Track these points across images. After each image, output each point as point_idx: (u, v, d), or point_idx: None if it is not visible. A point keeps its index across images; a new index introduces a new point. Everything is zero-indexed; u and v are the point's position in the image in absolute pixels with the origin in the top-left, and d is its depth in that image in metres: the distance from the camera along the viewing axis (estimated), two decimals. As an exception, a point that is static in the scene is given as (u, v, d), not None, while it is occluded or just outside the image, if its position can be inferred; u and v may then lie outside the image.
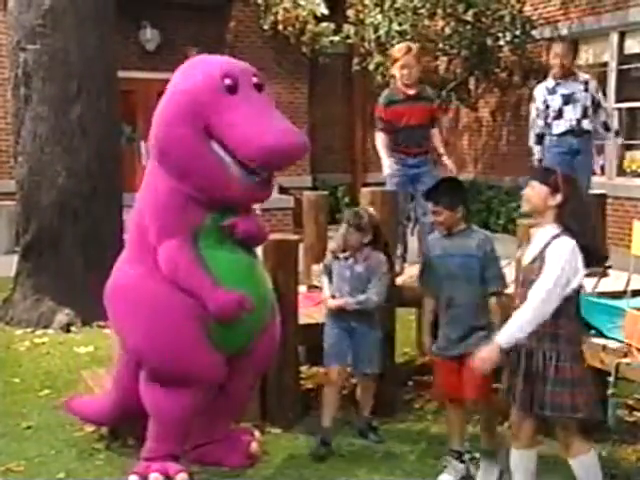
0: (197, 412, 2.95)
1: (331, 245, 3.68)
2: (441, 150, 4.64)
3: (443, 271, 3.10)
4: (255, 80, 2.81)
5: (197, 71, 2.82)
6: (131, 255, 2.97)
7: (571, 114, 5.03)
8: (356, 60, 10.13)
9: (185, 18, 10.94)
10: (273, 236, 3.65)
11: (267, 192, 2.93)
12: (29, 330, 5.55)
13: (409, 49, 4.58)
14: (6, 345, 5.20)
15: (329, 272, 3.53)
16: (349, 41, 9.95)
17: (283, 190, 11.20)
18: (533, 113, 5.24)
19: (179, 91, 2.81)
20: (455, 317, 3.05)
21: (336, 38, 10.03)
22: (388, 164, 4.54)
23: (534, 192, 2.62)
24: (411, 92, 4.56)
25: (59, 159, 5.66)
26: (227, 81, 2.72)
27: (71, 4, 5.63)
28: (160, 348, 2.81)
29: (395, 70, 4.64)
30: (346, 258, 3.46)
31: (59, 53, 5.62)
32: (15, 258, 6.19)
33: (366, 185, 5.01)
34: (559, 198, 2.58)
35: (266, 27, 10.46)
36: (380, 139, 4.70)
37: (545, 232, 2.60)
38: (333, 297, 3.46)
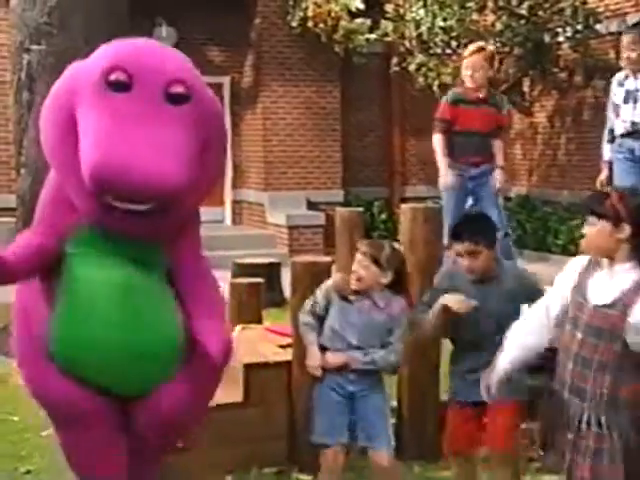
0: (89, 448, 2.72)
1: (335, 279, 3.33)
2: (500, 163, 4.60)
3: (472, 320, 2.96)
4: (173, 89, 2.37)
5: (92, 56, 2.51)
6: None
7: (628, 114, 4.94)
8: (395, 60, 10.16)
9: (204, 14, 11.10)
10: (303, 258, 3.63)
11: (137, 228, 2.45)
12: (29, 362, 5.58)
13: (480, 49, 4.62)
14: (3, 379, 5.24)
15: (320, 316, 3.20)
16: (387, 39, 9.99)
17: (312, 205, 11.23)
18: (609, 106, 5.18)
19: (59, 82, 2.54)
20: (479, 361, 2.90)
21: (372, 36, 10.08)
22: (445, 173, 4.52)
23: (594, 231, 2.30)
24: (481, 95, 4.56)
25: (64, 171, 5.72)
26: (116, 74, 2.33)
27: (80, 0, 5.73)
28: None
29: (462, 69, 4.67)
30: (358, 300, 3.16)
31: (66, 54, 5.67)
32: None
33: (405, 200, 5.00)
34: (627, 229, 2.26)
35: (294, 24, 10.55)
36: (440, 142, 4.67)
37: (623, 271, 2.29)
38: (324, 349, 3.14)
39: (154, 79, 2.37)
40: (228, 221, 12.04)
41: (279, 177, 11.33)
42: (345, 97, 11.58)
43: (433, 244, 3.77)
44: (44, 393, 2.74)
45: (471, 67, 4.53)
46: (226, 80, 11.76)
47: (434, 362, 3.85)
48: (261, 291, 5.04)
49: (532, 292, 2.87)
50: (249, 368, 3.84)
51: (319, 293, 3.28)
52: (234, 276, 6.96)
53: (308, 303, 3.29)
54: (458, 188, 4.55)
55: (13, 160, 7.29)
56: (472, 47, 4.76)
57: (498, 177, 4.59)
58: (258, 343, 4.28)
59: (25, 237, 2.64)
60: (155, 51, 2.49)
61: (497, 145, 4.64)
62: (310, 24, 10.36)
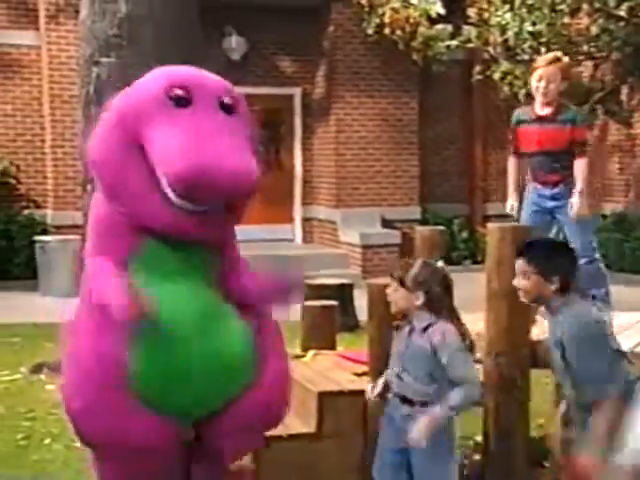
0: None
1: (392, 309, 3.34)
2: (578, 185, 4.50)
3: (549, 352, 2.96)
4: (225, 100, 2.75)
5: (143, 80, 2.84)
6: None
7: None
8: (478, 68, 10.11)
9: (275, 23, 11.31)
10: (379, 280, 3.65)
11: (205, 228, 2.76)
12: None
13: (556, 59, 4.55)
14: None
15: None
16: (469, 45, 9.95)
17: (387, 223, 11.23)
18: None
19: (118, 103, 2.82)
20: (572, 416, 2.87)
21: (454, 42, 10.06)
22: (509, 198, 4.54)
23: None
24: (543, 112, 4.50)
25: (132, 187, 5.89)
26: (176, 91, 2.68)
27: (150, 12, 5.88)
28: (70, 399, 2.82)
29: (532, 80, 4.62)
30: (402, 326, 3.20)
31: (136, 67, 5.84)
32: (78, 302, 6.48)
33: (487, 218, 4.97)
34: None
35: (370, 31, 10.63)
36: (510, 165, 4.69)
37: None
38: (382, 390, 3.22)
39: (208, 92, 2.72)
40: (298, 239, 12.15)
41: (352, 193, 11.37)
42: (423, 108, 11.58)
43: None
44: (111, 427, 2.77)
45: (545, 78, 4.44)
46: (297, 91, 11.91)
47: (523, 394, 3.79)
48: (335, 314, 5.07)
49: (569, 347, 2.75)
50: (323, 397, 3.86)
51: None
52: (305, 298, 7.00)
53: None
54: (538, 208, 4.54)
55: (80, 176, 7.56)
56: (547, 56, 4.70)
57: (574, 204, 4.50)
58: (332, 370, 4.30)
59: (108, 269, 2.72)
60: (198, 71, 2.85)
61: (577, 166, 4.49)
62: (387, 31, 10.40)
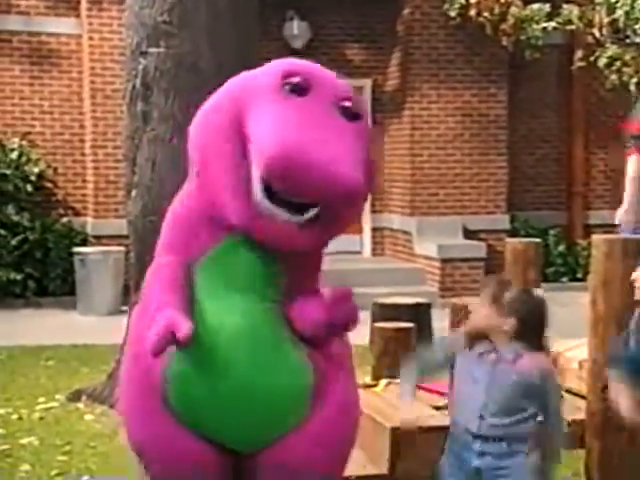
0: None
1: (469, 323, 3.36)
2: None
3: None
4: (346, 103, 2.85)
5: (263, 67, 2.96)
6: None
7: None
8: (579, 54, 9.99)
9: (342, 7, 11.40)
10: (459, 300, 3.63)
11: (311, 239, 2.85)
12: (138, 414, 5.86)
13: None
14: (110, 435, 5.49)
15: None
16: (570, 27, 9.83)
17: (470, 234, 11.16)
18: None
19: (228, 85, 2.98)
20: None
21: (551, 24, 9.96)
22: (627, 208, 4.43)
23: None
24: None
25: (183, 193, 5.99)
26: (294, 78, 2.80)
27: (204, -5, 6.01)
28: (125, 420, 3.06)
29: None
30: (482, 352, 3.17)
31: (187, 58, 5.97)
32: (123, 320, 6.60)
33: (588, 229, 4.89)
34: None
35: (453, 14, 10.61)
36: (632, 165, 4.58)
37: None
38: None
39: (327, 90, 2.86)
40: (367, 252, 12.16)
41: (429, 199, 11.34)
42: (513, 101, 11.48)
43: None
44: (159, 448, 2.94)
45: None
46: (367, 83, 11.94)
47: (636, 436, 3.70)
48: (411, 338, 5.06)
49: None
50: (397, 433, 3.85)
51: (453, 338, 3.41)
52: (374, 319, 7.00)
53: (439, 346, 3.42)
54: None
55: (122, 180, 7.71)
56: None
57: None
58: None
59: (169, 277, 2.88)
60: (324, 69, 3.01)
61: None
62: (472, 12, 10.36)
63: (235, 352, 2.82)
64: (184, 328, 2.65)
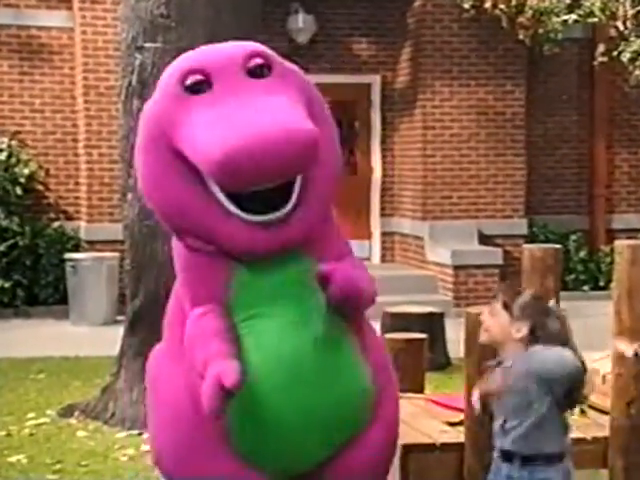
0: None
1: (482, 334, 3.40)
2: None
3: None
4: (251, 64, 2.93)
5: (161, 78, 3.08)
6: (169, 343, 3.26)
7: None
8: (601, 48, 9.96)
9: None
10: (473, 309, 3.63)
11: (280, 238, 2.91)
12: (135, 432, 5.82)
13: None
14: (103, 453, 5.49)
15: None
16: (592, 20, 9.80)
17: (485, 239, 11.15)
18: None
19: (144, 115, 3.08)
20: None
21: (572, 16, 9.93)
22: None
23: None
24: None
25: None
26: (191, 78, 2.89)
27: (203, -13, 6.01)
28: (166, 456, 3.15)
29: None
30: (492, 364, 3.25)
31: (186, 53, 6.00)
32: (119, 331, 6.60)
33: (611, 233, 4.87)
34: None
35: (467, 5, 10.60)
36: None
37: None
38: None
39: (228, 64, 2.92)
40: (376, 258, 12.16)
41: (442, 202, 11.34)
42: (531, 98, 11.48)
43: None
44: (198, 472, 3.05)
45: None
46: (376, 80, 11.95)
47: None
48: (423, 350, 5.06)
49: None
50: (408, 451, 3.85)
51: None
52: (384, 329, 7.00)
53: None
54: None
55: (118, 182, 7.72)
56: None
57: None
58: (419, 418, 4.28)
59: (196, 318, 2.95)
60: (213, 46, 3.10)
61: None
62: (488, 4, 10.33)
63: (298, 372, 2.91)
64: (232, 375, 2.71)
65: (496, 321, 3.20)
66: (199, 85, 2.88)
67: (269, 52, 3.04)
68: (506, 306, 3.17)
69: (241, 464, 3.01)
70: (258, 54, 2.96)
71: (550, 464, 3.13)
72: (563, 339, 3.15)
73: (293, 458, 3.03)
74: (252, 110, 2.78)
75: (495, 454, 3.26)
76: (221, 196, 2.86)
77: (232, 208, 2.86)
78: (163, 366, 3.19)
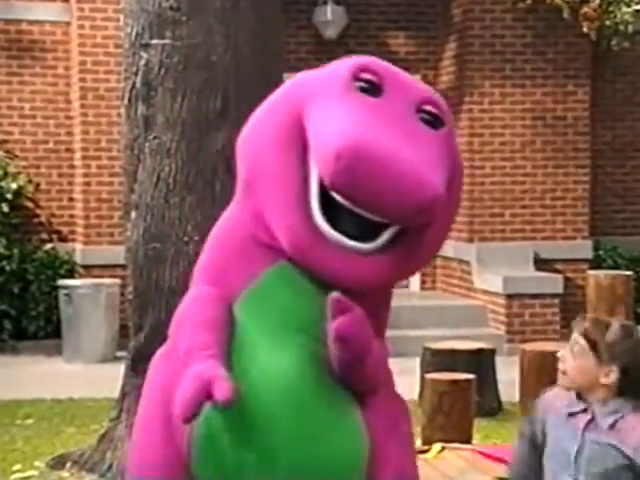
0: None
1: (560, 378, 3.26)
2: None
3: None
4: (427, 107, 2.94)
5: (323, 69, 3.07)
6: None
7: None
8: (679, 43, 9.96)
9: (386, -13, 11.45)
10: (530, 345, 3.65)
11: (379, 273, 2.87)
12: (137, 485, 5.89)
13: None
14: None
15: (533, 435, 3.28)
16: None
17: (543, 264, 11.15)
18: None
19: (290, 83, 3.08)
20: None
21: (645, 7, 9.95)
22: None
23: None
24: None
25: (192, 215, 6.01)
26: (365, 75, 2.90)
27: (218, -24, 6.07)
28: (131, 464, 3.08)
29: None
30: (573, 412, 3.14)
31: (198, 51, 6.02)
32: (119, 369, 6.63)
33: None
34: None
35: (522, -4, 10.64)
36: None
37: None
38: None
39: (406, 91, 2.96)
40: (415, 285, 12.19)
41: (492, 221, 11.35)
42: (597, 101, 11.50)
43: None
44: None
45: None
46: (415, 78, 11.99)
47: None
48: (471, 392, 5.07)
49: None
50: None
51: (539, 404, 3.28)
52: (425, 368, 7.01)
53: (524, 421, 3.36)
54: None
55: (119, 198, 7.77)
56: None
57: None
58: (466, 472, 4.30)
59: (205, 312, 2.92)
60: (400, 70, 3.08)
61: None
62: (546, -6, 10.41)
63: (279, 411, 2.81)
64: (224, 389, 2.62)
65: (580, 364, 3.11)
66: (369, 86, 2.91)
67: (446, 107, 3.07)
68: (594, 346, 3.09)
69: None
70: (436, 104, 2.99)
71: None
72: None
73: None
74: (403, 136, 2.79)
75: None
76: (315, 203, 2.84)
77: (318, 212, 2.84)
78: (158, 365, 3.12)
